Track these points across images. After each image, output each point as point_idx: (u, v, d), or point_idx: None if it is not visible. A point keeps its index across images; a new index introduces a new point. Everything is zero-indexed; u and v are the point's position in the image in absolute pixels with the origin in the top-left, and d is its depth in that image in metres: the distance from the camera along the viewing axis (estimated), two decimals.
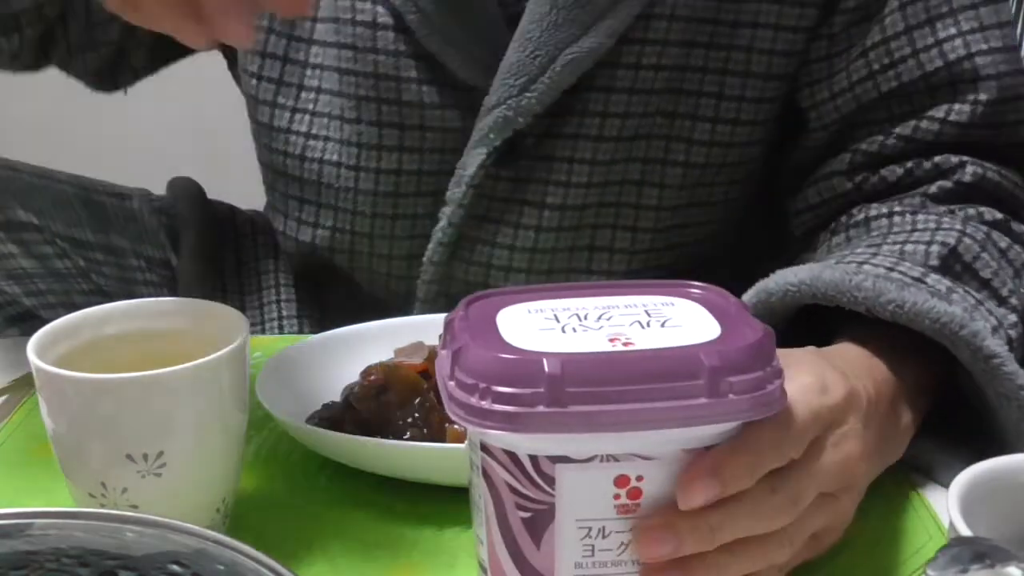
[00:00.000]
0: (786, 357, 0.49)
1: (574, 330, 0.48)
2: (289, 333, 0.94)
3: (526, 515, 0.47)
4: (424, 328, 0.74)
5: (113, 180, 0.96)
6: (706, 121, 0.79)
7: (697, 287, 0.52)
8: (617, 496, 0.46)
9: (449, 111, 0.80)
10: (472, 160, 0.78)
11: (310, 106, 0.83)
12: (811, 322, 0.66)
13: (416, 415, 0.65)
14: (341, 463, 0.65)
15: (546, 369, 0.44)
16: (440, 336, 0.51)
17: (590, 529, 0.46)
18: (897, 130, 0.76)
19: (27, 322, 0.86)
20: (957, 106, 0.75)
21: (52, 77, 0.90)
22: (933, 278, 0.65)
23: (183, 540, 0.44)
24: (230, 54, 0.90)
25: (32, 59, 0.85)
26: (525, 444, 0.46)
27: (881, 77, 0.76)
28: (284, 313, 0.95)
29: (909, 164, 0.76)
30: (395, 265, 0.85)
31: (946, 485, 0.55)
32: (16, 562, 0.44)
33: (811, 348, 0.59)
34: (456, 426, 0.62)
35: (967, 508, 0.48)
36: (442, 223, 0.81)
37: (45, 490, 0.64)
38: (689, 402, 0.45)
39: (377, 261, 0.85)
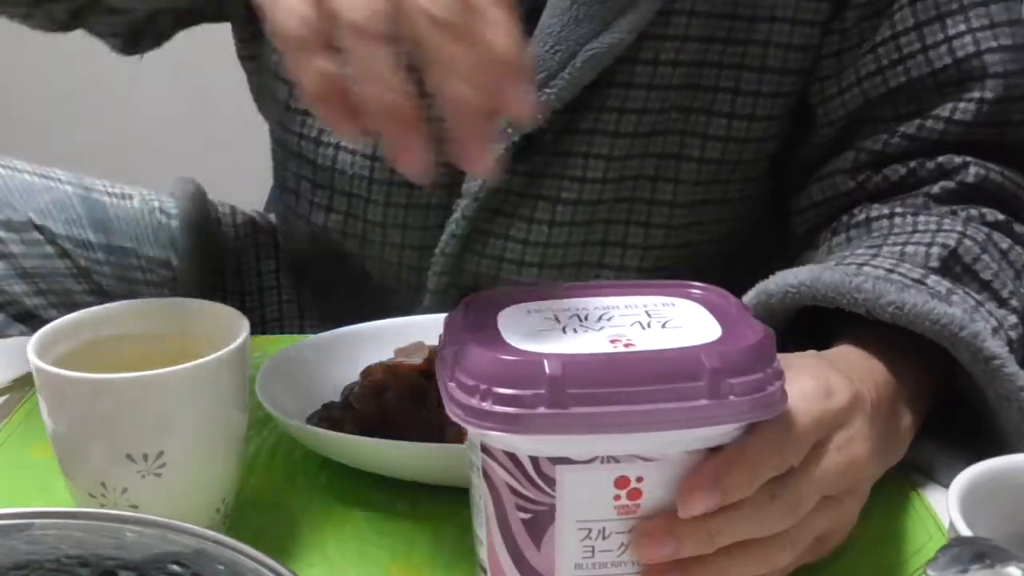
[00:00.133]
0: (789, 361, 0.49)
1: (575, 331, 0.48)
2: (289, 333, 0.94)
3: (526, 516, 0.47)
4: (424, 328, 0.74)
5: (113, 180, 0.96)
6: (722, 116, 0.79)
7: (697, 287, 0.52)
8: (617, 497, 0.46)
9: None
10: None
11: None
12: (811, 323, 0.66)
13: (416, 415, 0.65)
14: (341, 463, 0.65)
15: (547, 370, 0.44)
16: (440, 336, 0.51)
17: (590, 530, 0.46)
18: (902, 129, 0.76)
19: (27, 322, 0.86)
20: (962, 104, 0.75)
21: (52, 77, 0.90)
22: (933, 279, 0.65)
23: (183, 540, 0.44)
24: (244, 34, 0.89)
25: (67, 18, 0.83)
26: (525, 445, 0.46)
27: (890, 72, 0.76)
28: (284, 313, 0.95)
29: (912, 164, 0.76)
30: (407, 255, 0.85)
31: (946, 485, 0.55)
32: (16, 562, 0.44)
33: (812, 352, 0.59)
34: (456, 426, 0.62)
35: (967, 508, 0.48)
36: (456, 215, 0.81)
37: (45, 490, 0.64)
38: (690, 403, 0.45)
39: (389, 250, 0.85)
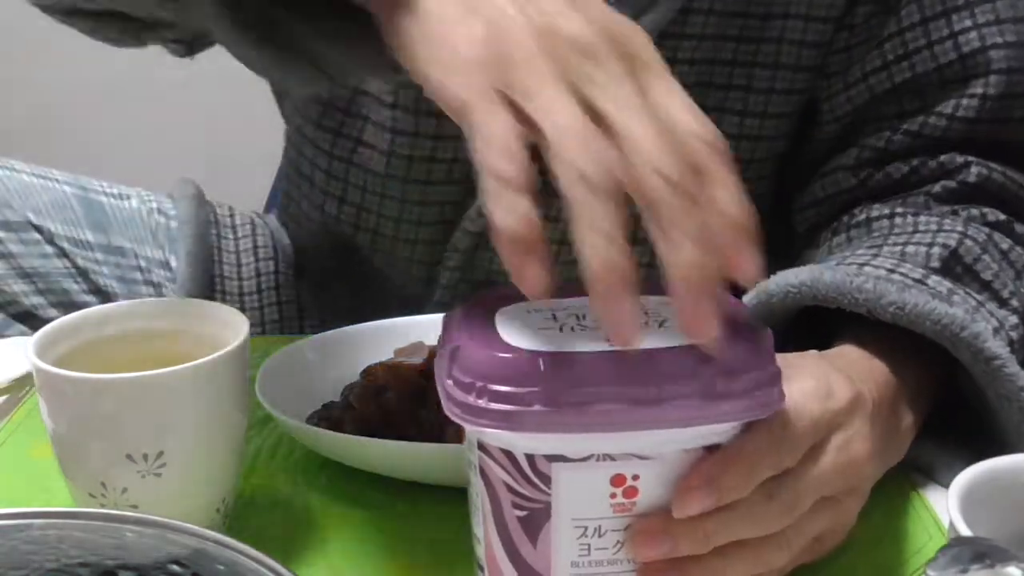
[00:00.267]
0: (789, 361, 0.49)
1: (572, 330, 0.48)
2: (289, 333, 0.94)
3: (522, 514, 0.47)
4: (424, 328, 0.74)
5: (112, 180, 0.96)
6: (734, 114, 0.79)
7: None
8: (613, 495, 0.46)
9: None
10: None
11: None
12: (811, 324, 0.66)
13: (416, 415, 0.65)
14: (341, 463, 0.65)
15: (542, 368, 0.44)
16: (439, 336, 0.51)
17: (586, 528, 0.46)
18: (905, 126, 0.76)
19: (27, 321, 0.86)
20: (965, 101, 0.75)
21: (52, 77, 0.90)
22: (934, 280, 0.65)
23: (183, 540, 0.44)
24: None
25: (137, 37, 0.81)
26: (521, 443, 0.46)
27: (895, 68, 0.76)
28: (284, 313, 0.95)
29: (914, 162, 0.76)
30: (419, 250, 0.85)
31: (946, 485, 0.54)
32: (16, 562, 0.44)
33: (813, 352, 0.59)
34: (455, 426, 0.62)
35: (967, 508, 0.48)
36: (471, 212, 0.81)
37: (45, 490, 0.64)
38: (686, 403, 0.45)
39: (401, 246, 0.85)
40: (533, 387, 0.44)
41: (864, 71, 0.77)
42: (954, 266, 0.67)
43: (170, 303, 0.64)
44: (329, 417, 0.67)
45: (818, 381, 0.53)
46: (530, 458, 0.46)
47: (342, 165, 0.84)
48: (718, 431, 0.47)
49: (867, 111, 0.78)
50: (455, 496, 0.53)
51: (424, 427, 0.64)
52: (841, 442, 0.52)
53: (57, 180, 0.91)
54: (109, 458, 0.55)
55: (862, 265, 0.66)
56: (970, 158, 0.75)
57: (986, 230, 0.71)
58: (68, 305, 0.86)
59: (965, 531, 0.46)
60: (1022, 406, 0.61)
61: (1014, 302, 0.67)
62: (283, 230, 1.01)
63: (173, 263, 0.93)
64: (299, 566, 0.58)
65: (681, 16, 0.76)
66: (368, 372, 0.68)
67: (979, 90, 0.74)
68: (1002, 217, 0.73)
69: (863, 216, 0.75)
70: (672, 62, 0.77)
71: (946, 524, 0.56)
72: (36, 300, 0.87)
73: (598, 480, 0.46)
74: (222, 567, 0.43)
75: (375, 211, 0.84)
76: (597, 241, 0.43)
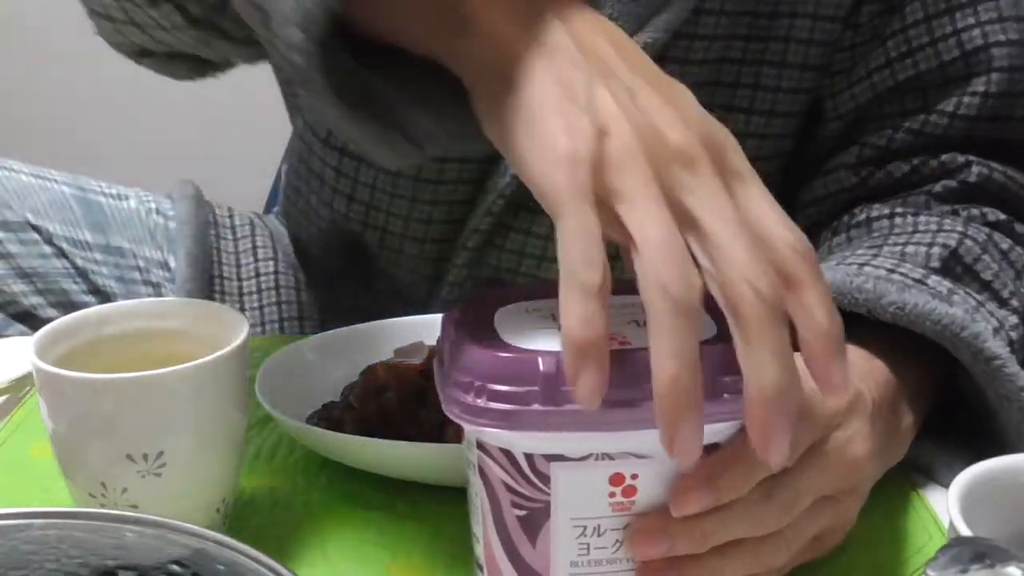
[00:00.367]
0: None
1: None
2: (289, 333, 0.94)
3: (522, 513, 0.47)
4: (424, 328, 0.74)
5: (111, 180, 0.96)
6: (741, 112, 0.79)
7: None
8: (612, 494, 0.46)
9: None
10: None
11: None
12: None
13: (416, 415, 0.65)
14: (341, 463, 0.65)
15: (541, 368, 0.44)
16: (439, 335, 0.51)
17: (585, 527, 0.47)
18: (907, 124, 0.76)
19: (26, 321, 0.86)
20: (966, 99, 0.75)
21: (52, 77, 0.90)
22: (934, 280, 0.65)
23: (183, 540, 0.44)
24: None
25: (203, 74, 0.79)
26: (520, 442, 0.46)
27: (898, 65, 0.76)
28: (284, 313, 0.95)
29: (915, 161, 0.76)
30: (427, 248, 0.85)
31: (946, 485, 0.55)
32: (16, 562, 0.44)
33: None
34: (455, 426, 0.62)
35: (967, 508, 0.48)
36: (481, 210, 0.81)
37: (45, 490, 0.64)
38: None
39: (410, 244, 0.85)
40: (532, 386, 0.44)
41: (868, 69, 0.77)
42: (954, 266, 0.67)
43: (170, 303, 0.64)
44: (329, 417, 0.67)
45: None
46: (529, 457, 0.46)
47: (352, 163, 0.84)
48: (716, 430, 0.47)
49: (870, 109, 0.78)
50: (455, 496, 0.53)
51: (424, 427, 0.64)
52: (841, 442, 0.52)
53: (56, 180, 0.91)
54: (109, 458, 0.55)
55: (862, 265, 0.66)
56: (971, 158, 0.75)
57: (986, 230, 0.71)
58: (67, 305, 0.86)
59: (965, 531, 0.46)
60: (1022, 406, 0.61)
61: (1014, 302, 0.67)
62: (283, 230, 1.01)
63: (172, 263, 0.93)
64: (299, 566, 0.58)
65: (694, 16, 0.76)
66: (368, 372, 0.68)
67: (981, 88, 0.74)
68: (1002, 217, 0.73)
69: (863, 216, 0.75)
70: (684, 62, 0.78)
71: (946, 524, 0.56)
72: (35, 300, 0.87)
73: (597, 479, 0.46)
74: (222, 567, 0.43)
75: (384, 209, 0.84)
76: (669, 357, 0.42)
